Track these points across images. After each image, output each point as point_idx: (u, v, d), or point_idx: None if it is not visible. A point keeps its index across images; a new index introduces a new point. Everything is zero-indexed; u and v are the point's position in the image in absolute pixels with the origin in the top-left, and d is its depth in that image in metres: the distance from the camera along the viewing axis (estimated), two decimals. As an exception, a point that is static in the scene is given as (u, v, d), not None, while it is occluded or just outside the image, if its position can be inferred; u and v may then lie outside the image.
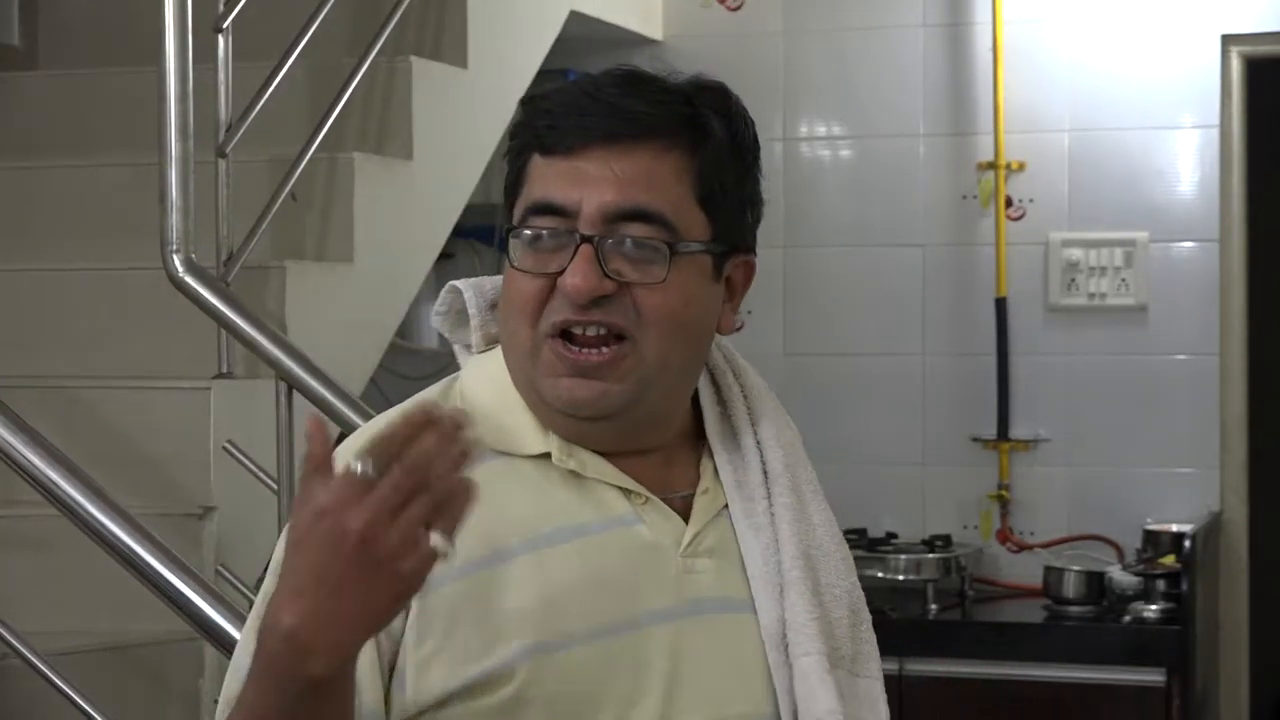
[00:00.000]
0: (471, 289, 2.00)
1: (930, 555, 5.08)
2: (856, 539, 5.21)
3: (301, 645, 1.55)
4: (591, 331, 1.83)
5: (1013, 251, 5.32)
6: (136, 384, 3.92)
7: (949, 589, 5.09)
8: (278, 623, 1.56)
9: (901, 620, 4.88)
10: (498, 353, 1.95)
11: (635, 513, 1.87)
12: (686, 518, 1.90)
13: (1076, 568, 4.97)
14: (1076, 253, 5.28)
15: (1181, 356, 5.24)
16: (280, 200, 3.91)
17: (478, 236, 5.62)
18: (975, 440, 5.36)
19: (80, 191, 4.41)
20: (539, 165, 1.86)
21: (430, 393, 1.99)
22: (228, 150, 3.88)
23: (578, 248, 1.81)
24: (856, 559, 5.33)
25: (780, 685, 1.87)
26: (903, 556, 5.07)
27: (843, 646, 1.93)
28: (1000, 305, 5.32)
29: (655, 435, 1.91)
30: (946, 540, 5.20)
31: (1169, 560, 4.85)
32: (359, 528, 1.52)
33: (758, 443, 1.97)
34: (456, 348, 2.06)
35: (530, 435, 1.89)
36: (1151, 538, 5.01)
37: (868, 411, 5.44)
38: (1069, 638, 4.79)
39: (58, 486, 3.00)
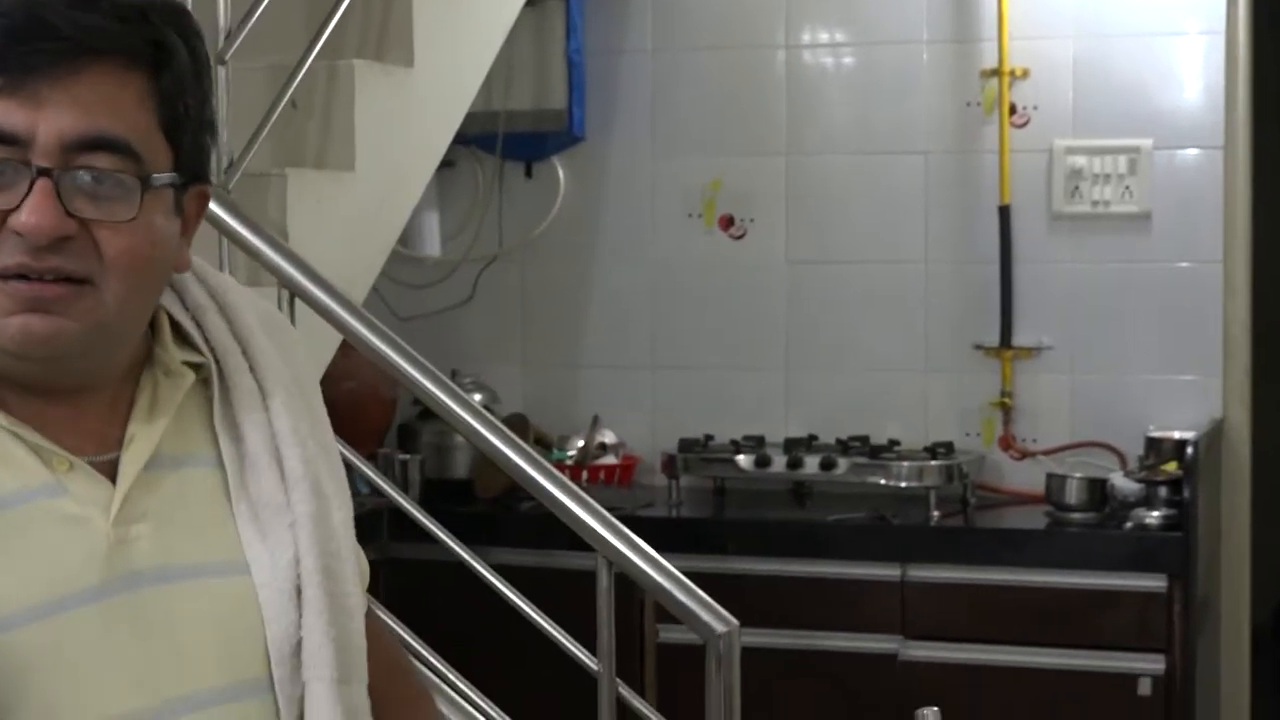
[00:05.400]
0: None
1: (932, 462, 5.09)
2: (859, 446, 5.23)
3: None
4: (49, 279, 1.65)
5: (1016, 159, 5.30)
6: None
7: (951, 496, 5.11)
8: None
9: (903, 527, 4.90)
10: None
11: (58, 481, 1.69)
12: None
13: (1078, 475, 4.98)
14: (1080, 160, 5.26)
15: (1185, 264, 5.23)
16: (280, 108, 3.90)
17: (479, 144, 5.61)
18: (978, 348, 5.36)
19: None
20: None
21: None
22: (227, 58, 3.86)
23: (33, 182, 1.63)
24: (860, 466, 5.38)
25: (286, 696, 1.74)
26: (905, 463, 5.08)
27: (353, 661, 1.79)
28: (1003, 213, 5.30)
29: (100, 376, 1.74)
30: (949, 447, 5.21)
31: (1171, 467, 4.86)
32: None
33: (270, 435, 1.81)
34: None
35: None
36: (1154, 445, 5.02)
37: (870, 319, 5.44)
38: (1071, 544, 4.80)
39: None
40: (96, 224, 1.65)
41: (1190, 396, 5.21)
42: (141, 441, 1.74)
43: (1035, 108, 5.30)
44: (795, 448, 5.23)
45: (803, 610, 4.88)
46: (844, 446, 5.24)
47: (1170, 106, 5.23)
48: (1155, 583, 4.67)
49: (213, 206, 3.63)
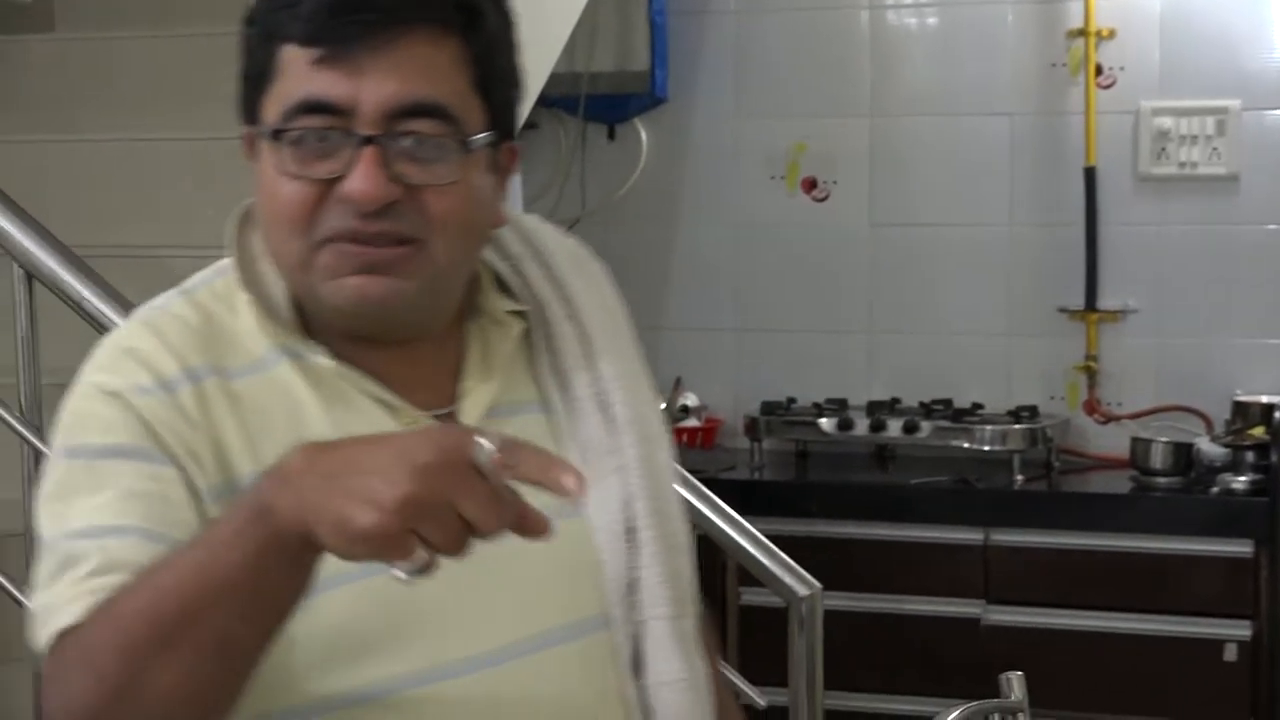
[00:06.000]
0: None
1: (1016, 426, 5.06)
2: (942, 409, 5.20)
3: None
4: (379, 243, 1.71)
5: (1102, 120, 5.26)
6: (220, 253, 3.93)
7: (1035, 460, 5.08)
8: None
9: (987, 490, 4.88)
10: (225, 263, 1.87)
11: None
12: None
13: (1164, 439, 4.95)
14: (1167, 121, 5.21)
15: (1272, 226, 5.18)
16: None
17: (562, 106, 5.60)
18: (1062, 311, 5.32)
19: (162, 62, 4.41)
20: (296, 56, 1.70)
21: (196, 292, 1.91)
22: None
23: (359, 150, 1.68)
24: (943, 429, 5.36)
25: (622, 633, 1.80)
26: (989, 427, 5.06)
27: (685, 596, 1.86)
28: (1089, 174, 5.26)
29: (428, 328, 1.81)
30: (1033, 411, 5.18)
31: (1258, 431, 4.82)
32: (461, 500, 1.42)
33: (596, 379, 1.86)
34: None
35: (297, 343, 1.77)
36: (1240, 409, 4.97)
37: (954, 282, 5.41)
38: (1156, 509, 4.77)
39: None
40: (421, 188, 1.70)
41: (1277, 360, 5.17)
42: (479, 393, 1.81)
43: (1122, 68, 5.25)
44: (878, 411, 5.21)
45: (885, 574, 4.87)
46: (927, 410, 5.22)
47: (1259, 67, 5.17)
48: (1241, 548, 4.64)
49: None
